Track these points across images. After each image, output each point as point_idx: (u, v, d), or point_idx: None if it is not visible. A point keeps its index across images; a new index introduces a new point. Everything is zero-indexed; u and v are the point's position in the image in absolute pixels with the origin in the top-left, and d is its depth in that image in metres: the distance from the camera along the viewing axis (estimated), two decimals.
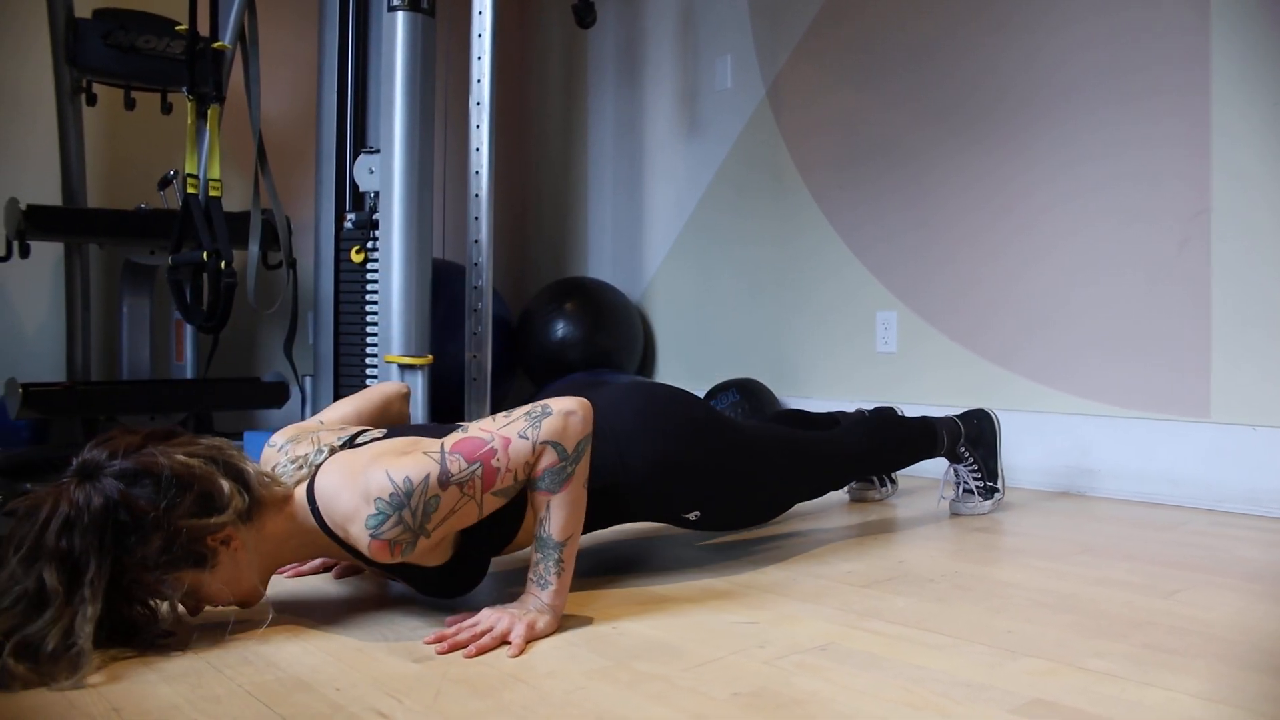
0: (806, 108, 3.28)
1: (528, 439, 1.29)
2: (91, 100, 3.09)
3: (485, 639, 1.24)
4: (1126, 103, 2.47)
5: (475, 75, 2.77)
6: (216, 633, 1.30)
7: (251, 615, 1.38)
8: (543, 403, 1.34)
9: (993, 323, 2.77)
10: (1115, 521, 2.16)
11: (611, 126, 4.09)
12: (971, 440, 2.21)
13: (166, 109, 3.19)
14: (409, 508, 1.21)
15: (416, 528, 1.23)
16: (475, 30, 2.77)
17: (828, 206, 3.20)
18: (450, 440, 1.29)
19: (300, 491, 1.32)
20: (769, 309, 3.38)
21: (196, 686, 1.10)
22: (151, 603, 1.23)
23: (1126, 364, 2.48)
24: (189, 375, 3.33)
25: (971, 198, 2.81)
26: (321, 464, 1.32)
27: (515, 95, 4.51)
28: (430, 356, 2.65)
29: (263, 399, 3.18)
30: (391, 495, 1.21)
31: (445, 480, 1.24)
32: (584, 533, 1.44)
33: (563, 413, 1.32)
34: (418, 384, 2.78)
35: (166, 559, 1.18)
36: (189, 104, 2.74)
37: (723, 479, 1.67)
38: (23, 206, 2.77)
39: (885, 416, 2.10)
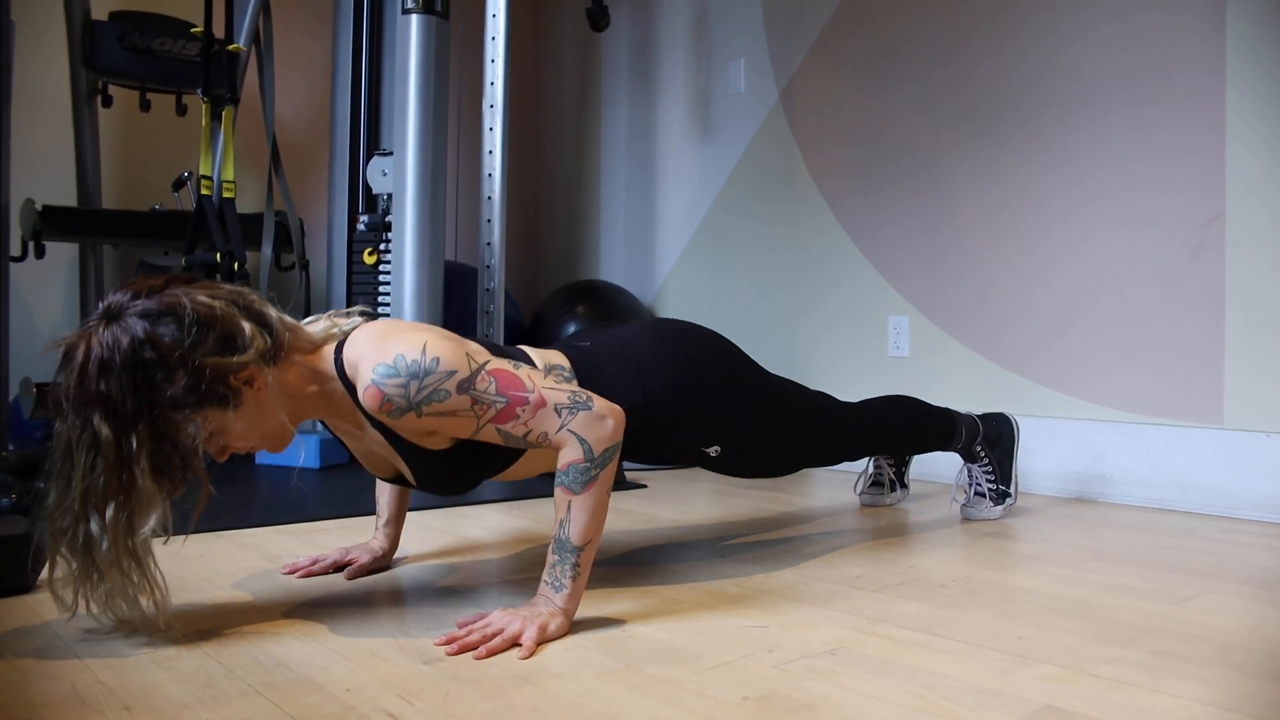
0: (820, 112, 3.28)
1: (559, 417, 1.30)
2: (107, 102, 3.11)
3: (496, 641, 1.24)
4: (1141, 109, 2.46)
5: (488, 78, 2.78)
6: (228, 633, 1.31)
7: (261, 618, 1.39)
8: (589, 394, 1.35)
9: (1005, 328, 2.76)
10: (1127, 528, 2.15)
11: (624, 129, 4.09)
12: (989, 441, 2.21)
13: (181, 111, 3.21)
14: (419, 381, 1.24)
15: (413, 402, 1.25)
16: (489, 33, 2.78)
17: (840, 211, 3.20)
18: (495, 363, 1.31)
19: (329, 348, 1.35)
20: (780, 313, 3.37)
21: (207, 686, 1.11)
22: (180, 444, 1.23)
23: (1140, 370, 2.47)
24: None
25: (984, 204, 2.81)
26: (353, 330, 1.36)
27: (528, 98, 4.52)
28: None
29: None
30: (413, 361, 1.24)
31: (465, 387, 1.27)
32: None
33: (599, 415, 1.32)
34: None
35: (193, 397, 1.20)
36: (204, 106, 2.76)
37: (743, 415, 1.69)
38: (38, 207, 2.79)
39: (908, 398, 2.12)
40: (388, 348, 1.26)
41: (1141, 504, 2.44)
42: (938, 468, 2.78)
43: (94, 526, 1.16)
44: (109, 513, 1.16)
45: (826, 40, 3.25)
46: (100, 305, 1.22)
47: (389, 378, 1.24)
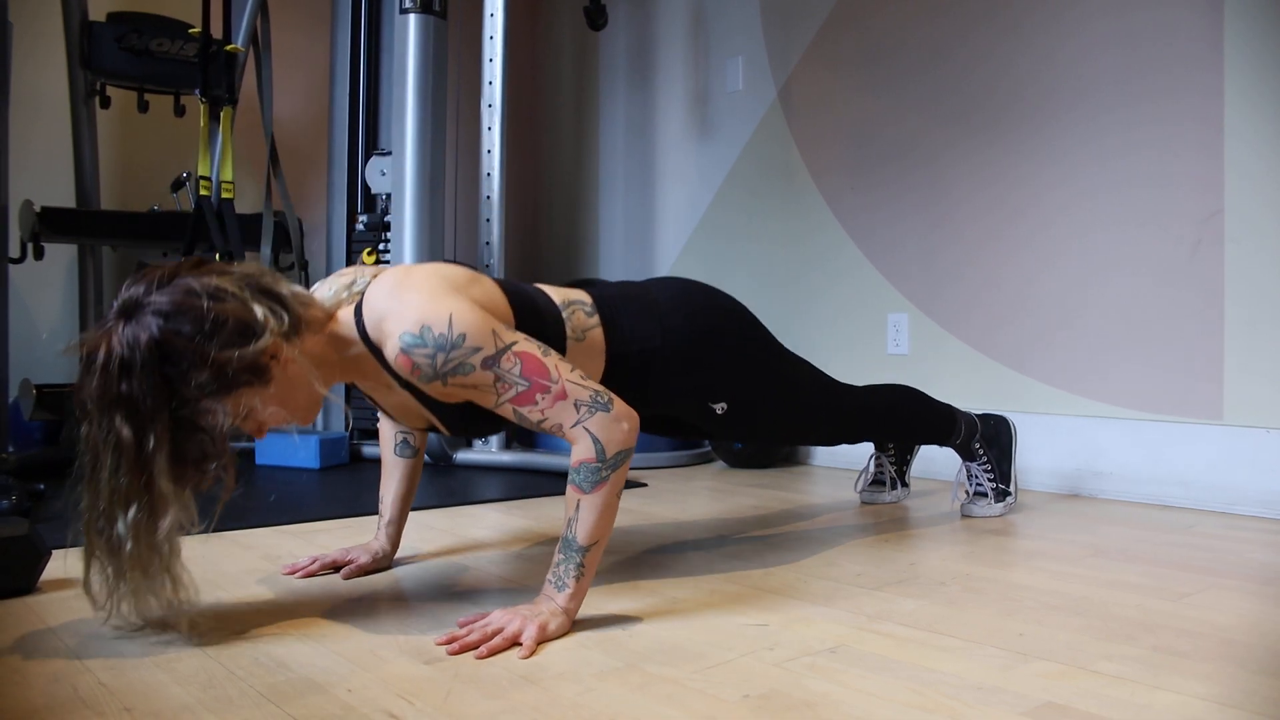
0: (818, 110, 3.28)
1: (577, 413, 1.31)
2: (105, 103, 3.11)
3: (496, 640, 1.24)
4: (1139, 105, 2.46)
5: (487, 77, 2.78)
6: (228, 634, 1.31)
7: (262, 619, 1.39)
8: (610, 395, 1.34)
9: (1004, 325, 2.76)
10: (1127, 524, 2.15)
11: (623, 128, 4.09)
12: (987, 439, 2.21)
13: (180, 111, 3.21)
14: (445, 354, 1.25)
15: (440, 373, 1.26)
16: (487, 32, 2.77)
17: (839, 209, 3.20)
18: (523, 345, 1.31)
19: (347, 310, 1.35)
20: (780, 310, 3.37)
21: (208, 687, 1.11)
22: (202, 436, 1.23)
23: (1139, 366, 2.47)
24: None
25: (983, 201, 2.81)
26: (368, 286, 1.36)
27: (527, 97, 4.52)
28: None
29: None
30: (440, 335, 1.25)
31: (490, 364, 1.28)
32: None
33: (616, 416, 1.33)
34: None
35: (213, 388, 1.20)
36: (202, 106, 2.75)
37: (754, 375, 1.72)
38: (37, 208, 2.79)
39: (913, 389, 2.13)
40: (413, 313, 1.26)
41: (1141, 500, 2.44)
42: (937, 466, 2.78)
43: (120, 527, 1.18)
44: (131, 512, 1.17)
45: (824, 38, 3.25)
46: (116, 301, 1.22)
47: (416, 347, 1.25)
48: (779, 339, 1.86)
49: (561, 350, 1.48)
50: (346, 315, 1.35)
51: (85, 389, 1.18)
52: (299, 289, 1.34)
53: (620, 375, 1.57)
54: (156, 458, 1.17)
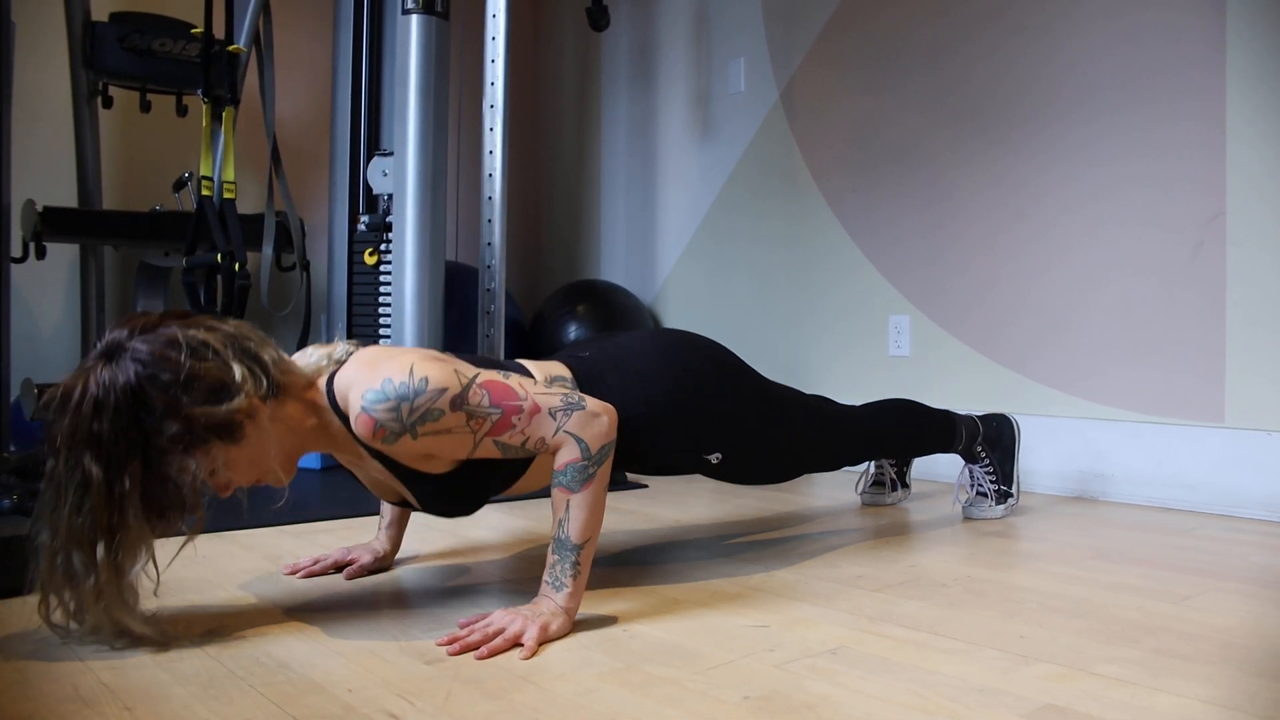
0: (820, 111, 3.27)
1: (554, 420, 1.31)
2: (108, 103, 3.11)
3: (497, 640, 1.24)
4: (1141, 106, 2.46)
5: (489, 78, 2.78)
6: (229, 633, 1.31)
7: (263, 619, 1.39)
8: (580, 395, 1.36)
9: (1006, 327, 2.76)
10: (1128, 527, 2.15)
11: (624, 129, 4.09)
12: (989, 441, 2.21)
13: (182, 111, 3.21)
14: (410, 403, 1.23)
15: (407, 424, 1.24)
16: (489, 33, 2.78)
17: (840, 210, 3.20)
18: (485, 375, 1.31)
19: (322, 380, 1.34)
20: (781, 312, 3.37)
21: (209, 686, 1.11)
22: (178, 481, 1.23)
23: (1141, 369, 2.47)
24: None
25: (985, 202, 2.81)
26: (346, 358, 1.35)
27: (529, 98, 4.52)
28: None
29: None
30: (401, 384, 1.23)
31: (458, 403, 1.26)
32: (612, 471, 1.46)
33: (593, 412, 1.34)
34: None
35: (182, 444, 1.20)
36: (204, 106, 2.75)
37: (745, 423, 1.69)
38: (39, 208, 2.79)
39: (908, 402, 2.11)
40: (375, 373, 1.26)
41: (1143, 503, 2.44)
42: (939, 467, 2.78)
43: (77, 563, 1.16)
44: (99, 552, 1.17)
45: (826, 39, 3.25)
46: (99, 343, 1.22)
47: (379, 403, 1.23)
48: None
49: None
50: (322, 384, 1.34)
51: (56, 425, 1.17)
52: (283, 355, 1.34)
53: None
54: (130, 498, 1.16)
